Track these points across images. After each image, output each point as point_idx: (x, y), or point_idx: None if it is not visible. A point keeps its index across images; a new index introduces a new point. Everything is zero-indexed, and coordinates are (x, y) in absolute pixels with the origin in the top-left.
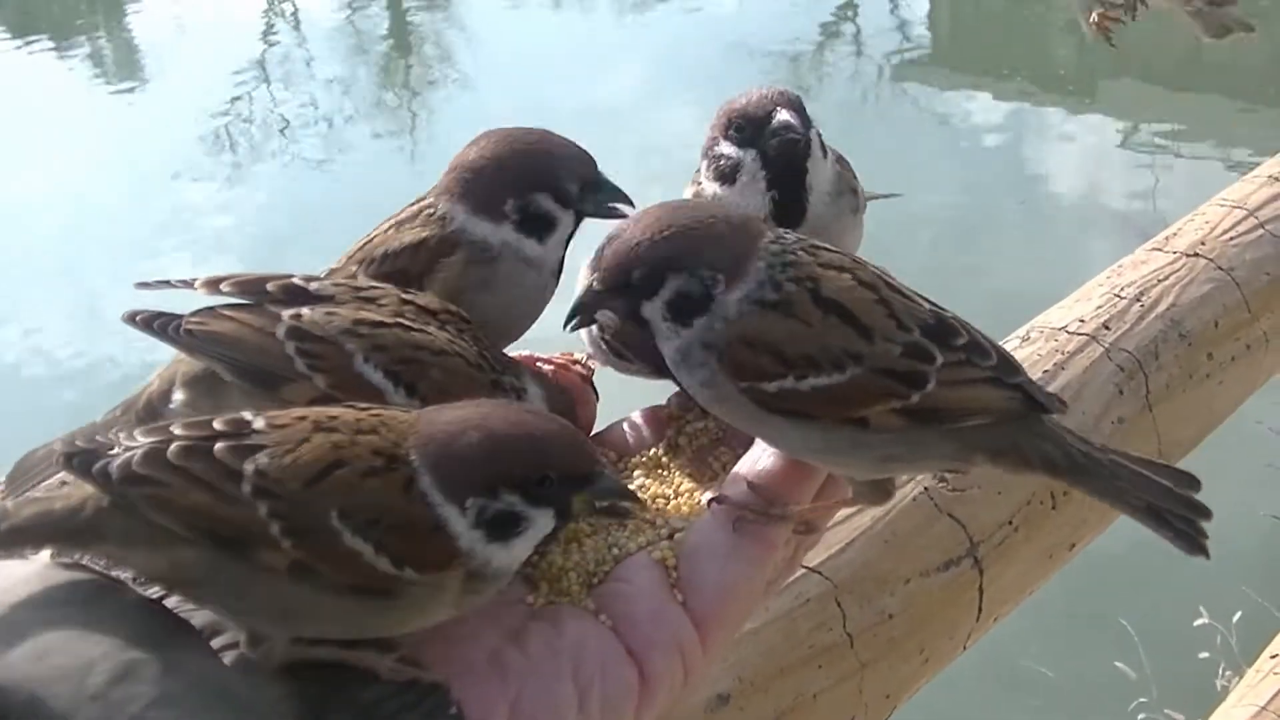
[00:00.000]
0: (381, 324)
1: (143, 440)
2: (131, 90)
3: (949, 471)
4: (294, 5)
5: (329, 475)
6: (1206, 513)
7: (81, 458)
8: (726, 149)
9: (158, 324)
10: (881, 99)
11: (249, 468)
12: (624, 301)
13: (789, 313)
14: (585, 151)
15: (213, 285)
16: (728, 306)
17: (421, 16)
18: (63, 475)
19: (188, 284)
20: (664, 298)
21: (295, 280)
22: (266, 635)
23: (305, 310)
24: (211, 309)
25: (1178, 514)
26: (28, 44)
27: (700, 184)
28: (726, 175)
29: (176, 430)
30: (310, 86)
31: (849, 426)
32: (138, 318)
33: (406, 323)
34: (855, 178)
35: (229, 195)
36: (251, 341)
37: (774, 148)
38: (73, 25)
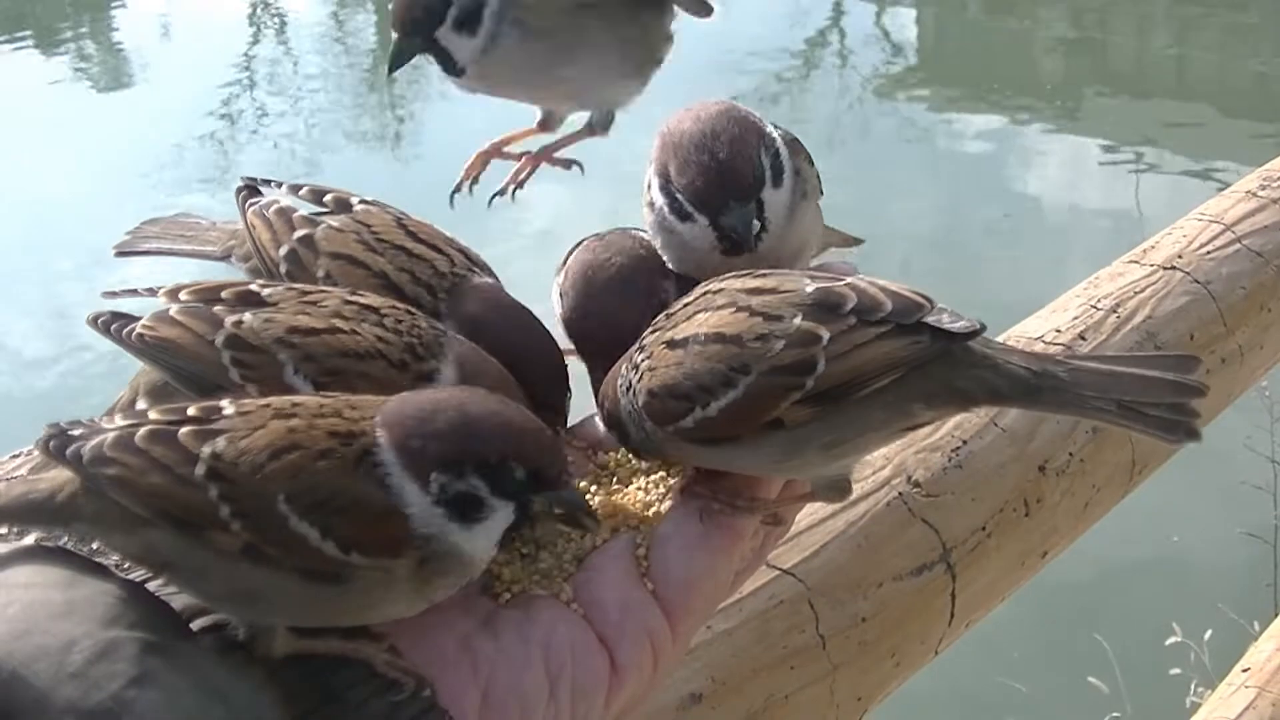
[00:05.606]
0: (313, 330)
1: (120, 424)
2: (115, 92)
3: (908, 430)
4: (280, 8)
5: (279, 459)
6: (1196, 390)
7: (58, 440)
8: (678, 201)
9: (114, 328)
10: (866, 112)
11: (206, 450)
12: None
13: (663, 362)
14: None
15: (173, 294)
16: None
17: None
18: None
19: (152, 292)
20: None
21: (251, 287)
22: (264, 626)
23: (247, 316)
24: (165, 314)
25: (1158, 403)
26: (12, 43)
27: (652, 199)
28: (681, 217)
29: (152, 415)
30: (296, 90)
31: (771, 433)
32: (99, 320)
33: (339, 324)
34: (808, 158)
35: (212, 199)
36: (192, 349)
37: (724, 246)
38: (57, 26)
